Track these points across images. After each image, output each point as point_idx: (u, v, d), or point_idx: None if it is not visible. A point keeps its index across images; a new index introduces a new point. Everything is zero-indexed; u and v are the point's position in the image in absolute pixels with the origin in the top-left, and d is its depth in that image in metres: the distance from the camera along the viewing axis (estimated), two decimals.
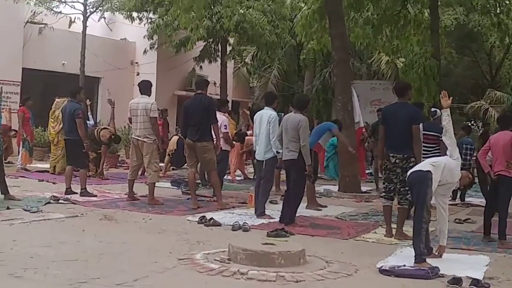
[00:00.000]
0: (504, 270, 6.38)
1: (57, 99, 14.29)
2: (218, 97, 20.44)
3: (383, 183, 8.28)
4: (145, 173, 11.33)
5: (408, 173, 6.91)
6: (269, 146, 9.28)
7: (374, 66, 26.01)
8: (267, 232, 7.79)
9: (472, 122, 30.37)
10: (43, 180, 12.77)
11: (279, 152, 9.13)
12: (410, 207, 8.01)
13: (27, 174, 13.79)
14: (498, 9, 16.05)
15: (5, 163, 13.28)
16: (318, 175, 12.66)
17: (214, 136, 10.20)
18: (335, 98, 14.11)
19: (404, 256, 6.75)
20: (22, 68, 19.77)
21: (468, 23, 24.37)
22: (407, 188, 7.58)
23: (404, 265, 6.18)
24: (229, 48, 23.05)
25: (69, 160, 11.26)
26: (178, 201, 10.84)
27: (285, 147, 8.83)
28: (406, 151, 7.84)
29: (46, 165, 15.37)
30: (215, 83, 23.92)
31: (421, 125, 8.08)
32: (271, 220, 8.99)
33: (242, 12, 20.47)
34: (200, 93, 10.17)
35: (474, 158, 11.18)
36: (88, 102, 14.35)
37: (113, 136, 13.81)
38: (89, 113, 14.41)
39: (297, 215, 8.87)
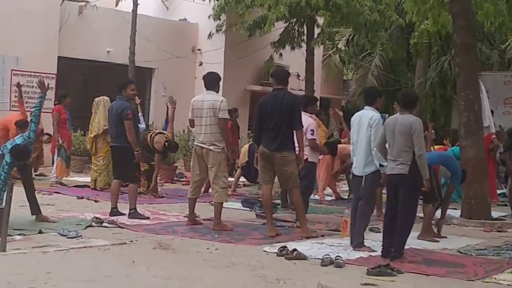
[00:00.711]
0: None
1: (97, 99, 14.71)
2: (303, 93, 20.44)
3: None
4: (210, 190, 11.46)
5: None
6: (370, 157, 9.20)
7: (509, 53, 25.42)
8: (367, 269, 7.73)
9: None
10: (82, 198, 13.09)
11: (383, 165, 9.06)
12: None
13: (63, 190, 14.19)
14: None
15: (36, 175, 13.79)
16: None
17: (297, 144, 10.21)
18: (457, 95, 13.87)
19: None
20: (58, 57, 20.38)
21: None
22: None
23: None
24: (317, 31, 23.00)
25: (115, 172, 11.53)
26: (252, 226, 10.89)
27: (392, 158, 8.73)
28: None
29: (87, 179, 15.79)
30: (298, 76, 24.05)
31: None
32: (372, 254, 8.91)
33: None
34: (281, 89, 10.20)
35: None
36: (138, 100, 14.55)
37: (167, 144, 13.96)
38: (139, 113, 14.55)
39: (406, 247, 8.76)
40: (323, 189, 14.96)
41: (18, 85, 15.20)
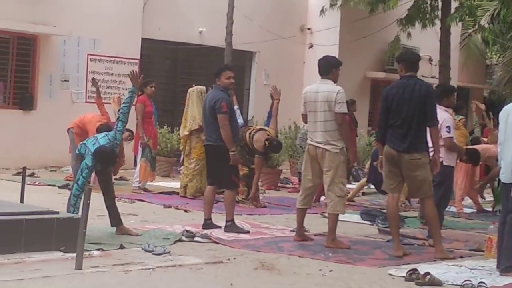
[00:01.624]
0: None
1: (192, 88, 14.80)
2: (437, 81, 20.21)
3: None
4: (322, 199, 11.46)
5: None
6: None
7: None
8: None
9: None
10: (170, 206, 13.31)
11: None
12: None
13: (148, 197, 14.45)
14: None
15: (115, 179, 13.98)
16: None
17: (431, 145, 10.14)
18: None
19: None
20: (142, 39, 20.77)
21: None
22: None
23: None
24: (454, 4, 22.71)
25: (209, 177, 11.67)
26: (373, 243, 10.88)
27: None
28: None
29: (175, 184, 16.04)
30: (431, 60, 23.86)
31: None
32: None
33: None
34: (410, 76, 10.13)
35: None
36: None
37: (267, 142, 13.88)
38: (235, 106, 14.37)
39: None
40: (462, 199, 14.78)
41: (94, 82, 15.47)
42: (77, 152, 10.08)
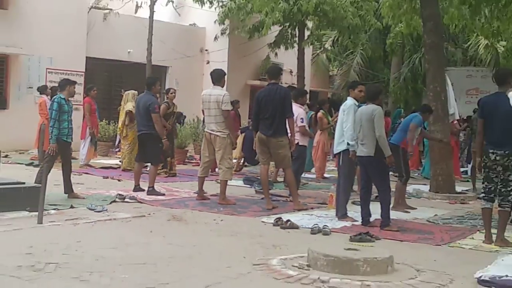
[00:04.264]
0: None
1: (126, 92, 14.56)
2: (295, 87, 20.40)
3: (482, 183, 8.08)
4: (216, 170, 11.46)
5: None
6: (342, 137, 9.24)
7: (471, 51, 25.33)
8: (350, 236, 7.75)
9: None
10: (107, 177, 13.08)
11: (349, 144, 9.08)
12: None
13: (91, 171, 14.12)
14: None
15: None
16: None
17: (289, 131, 10.20)
18: (427, 87, 13.86)
19: (506, 265, 6.57)
20: (86, 57, 20.31)
21: None
22: (509, 189, 7.61)
23: (507, 276, 6.03)
24: (307, 33, 22.96)
25: (139, 155, 11.52)
26: (252, 201, 10.88)
27: (361, 142, 8.77)
28: (508, 147, 7.63)
29: (112, 161, 15.79)
30: (291, 72, 23.99)
31: None
32: (354, 223, 8.94)
33: None
34: (274, 83, 10.20)
35: None
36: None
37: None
38: None
39: (378, 218, 8.79)
40: (320, 169, 14.89)
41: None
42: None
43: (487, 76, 18.63)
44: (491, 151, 7.76)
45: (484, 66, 24.24)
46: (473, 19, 15.95)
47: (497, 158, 7.71)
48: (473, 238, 8.27)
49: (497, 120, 7.72)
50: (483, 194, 7.97)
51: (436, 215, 10.17)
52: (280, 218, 8.73)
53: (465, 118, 17.51)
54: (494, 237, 7.81)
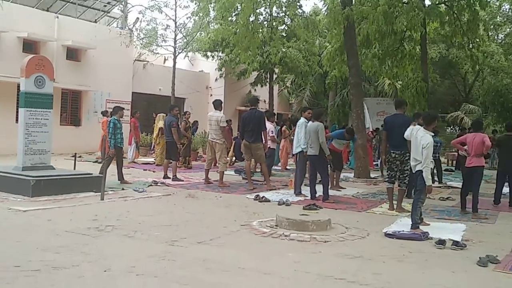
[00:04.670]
0: (476, 235, 6.19)
1: (158, 114, 14.48)
2: (268, 110, 20.38)
3: (387, 171, 8.13)
4: (217, 164, 11.39)
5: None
6: (298, 143, 9.31)
7: (379, 87, 25.49)
8: (303, 207, 7.74)
9: (451, 128, 30.44)
10: (146, 170, 12.94)
11: (303, 147, 9.15)
12: (406, 188, 7.93)
13: (135, 166, 13.95)
14: (471, 44, 15.62)
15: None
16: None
17: (263, 139, 10.13)
18: (352, 111, 13.92)
19: (403, 224, 6.62)
20: (132, 92, 20.14)
21: (448, 55, 25.91)
22: (404, 175, 7.70)
23: (403, 231, 6.06)
24: (275, 76, 23.01)
25: (166, 155, 11.39)
26: (240, 184, 10.82)
27: (310, 146, 8.79)
28: (402, 148, 7.71)
29: (148, 159, 15.64)
30: (265, 101, 23.92)
31: (408, 129, 7.37)
32: (306, 198, 8.91)
33: (284, 50, 20.47)
34: (254, 108, 10.16)
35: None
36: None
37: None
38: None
39: (321, 194, 8.74)
40: (285, 163, 14.82)
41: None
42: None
43: (390, 103, 18.74)
44: (391, 151, 7.82)
45: (387, 97, 24.35)
46: (381, 67, 16.10)
47: (396, 155, 7.77)
48: (381, 207, 8.29)
49: (395, 131, 7.79)
50: (387, 178, 8.02)
51: (358, 192, 10.18)
52: (258, 195, 8.72)
53: (375, 129, 17.57)
54: (395, 206, 7.86)
